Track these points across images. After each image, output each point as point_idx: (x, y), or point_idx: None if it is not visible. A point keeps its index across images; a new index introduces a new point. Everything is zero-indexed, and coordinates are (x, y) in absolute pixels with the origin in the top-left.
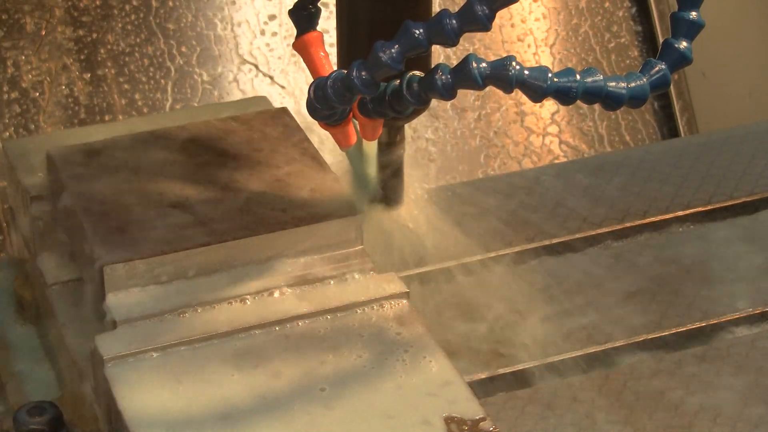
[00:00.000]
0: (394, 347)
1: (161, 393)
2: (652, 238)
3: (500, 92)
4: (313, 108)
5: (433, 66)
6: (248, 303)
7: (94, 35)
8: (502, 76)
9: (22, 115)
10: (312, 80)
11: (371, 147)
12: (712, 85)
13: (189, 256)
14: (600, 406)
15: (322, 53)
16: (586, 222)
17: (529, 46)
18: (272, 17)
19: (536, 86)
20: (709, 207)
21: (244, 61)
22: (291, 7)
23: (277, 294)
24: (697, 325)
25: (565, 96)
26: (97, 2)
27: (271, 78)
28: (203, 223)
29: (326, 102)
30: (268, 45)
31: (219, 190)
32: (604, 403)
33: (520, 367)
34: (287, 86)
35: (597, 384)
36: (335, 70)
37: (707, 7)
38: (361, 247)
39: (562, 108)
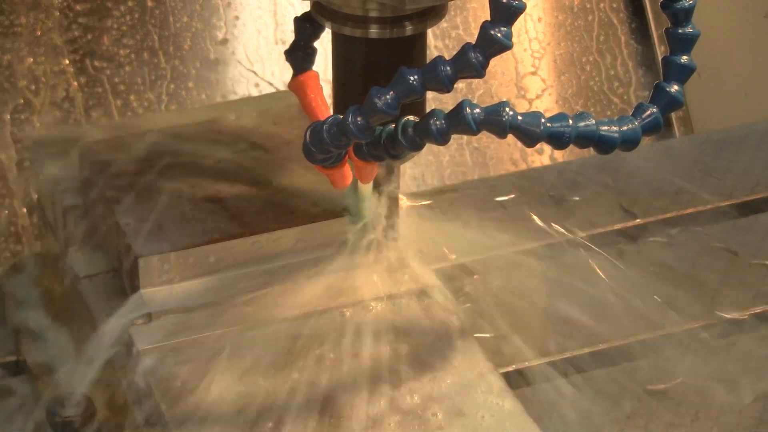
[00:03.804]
0: (427, 338)
1: (197, 384)
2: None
3: (498, 92)
4: (308, 151)
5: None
6: (282, 295)
7: (90, 36)
8: (496, 121)
9: (17, 116)
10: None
11: (367, 187)
12: (708, 86)
13: (222, 248)
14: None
15: (317, 93)
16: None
17: (525, 49)
18: (270, 18)
19: (530, 131)
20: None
21: (240, 63)
22: (287, 48)
23: (310, 286)
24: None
25: (558, 141)
26: (93, 3)
27: (269, 83)
28: (236, 216)
29: (322, 146)
30: (265, 47)
31: (251, 184)
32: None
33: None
34: (284, 88)
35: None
36: (332, 115)
37: (703, 6)
38: (394, 239)
39: (557, 109)
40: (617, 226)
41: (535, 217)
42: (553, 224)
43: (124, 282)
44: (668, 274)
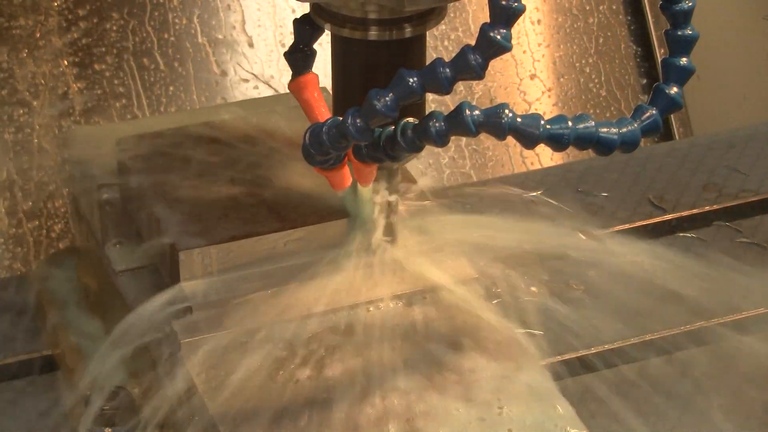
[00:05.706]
0: (465, 331)
1: (239, 376)
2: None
3: (498, 95)
4: (308, 153)
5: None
6: (322, 287)
7: (89, 38)
8: (495, 123)
9: (17, 118)
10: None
11: (366, 189)
12: (707, 88)
13: (261, 241)
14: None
15: (316, 95)
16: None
17: (524, 51)
18: (269, 20)
19: (529, 133)
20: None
21: (239, 65)
22: (287, 50)
23: (350, 279)
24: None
25: (557, 142)
26: (92, 5)
27: (268, 85)
28: (274, 210)
29: (321, 148)
30: (264, 49)
31: (288, 178)
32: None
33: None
34: (283, 91)
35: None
36: (331, 117)
37: (702, 9)
38: (429, 231)
39: (556, 111)
40: (646, 221)
41: (564, 213)
42: (582, 219)
43: (162, 276)
44: (698, 269)
